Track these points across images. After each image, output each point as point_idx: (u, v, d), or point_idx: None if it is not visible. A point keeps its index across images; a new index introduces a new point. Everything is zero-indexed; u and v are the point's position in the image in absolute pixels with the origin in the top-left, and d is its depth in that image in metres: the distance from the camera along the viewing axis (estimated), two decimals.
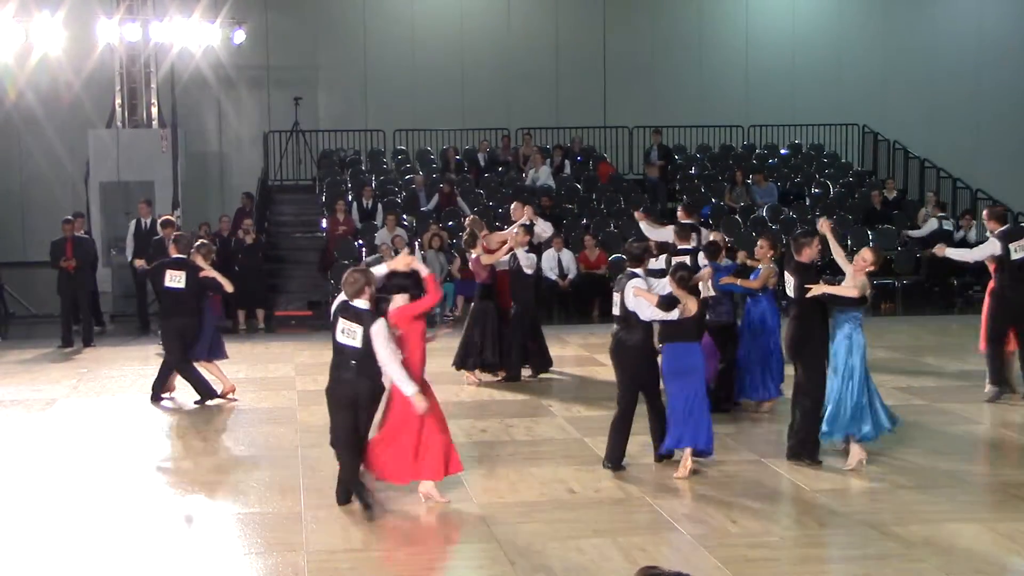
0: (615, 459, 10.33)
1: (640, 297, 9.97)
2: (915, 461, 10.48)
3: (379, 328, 8.95)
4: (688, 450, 10.08)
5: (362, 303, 9.05)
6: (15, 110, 25.15)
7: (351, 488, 9.21)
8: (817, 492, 9.54)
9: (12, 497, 9.69)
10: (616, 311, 10.30)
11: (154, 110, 24.56)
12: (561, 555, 8.03)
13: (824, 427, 10.26)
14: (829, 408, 10.21)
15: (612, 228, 23.15)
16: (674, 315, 9.91)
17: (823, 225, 10.81)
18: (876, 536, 8.34)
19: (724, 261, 12.55)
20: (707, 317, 11.77)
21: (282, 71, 26.78)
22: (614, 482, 9.83)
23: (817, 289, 10.11)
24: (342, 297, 9.18)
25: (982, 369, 13.79)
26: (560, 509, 9.20)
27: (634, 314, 10.05)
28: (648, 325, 10.21)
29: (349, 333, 9.01)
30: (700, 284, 11.33)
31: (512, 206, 15.20)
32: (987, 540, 8.29)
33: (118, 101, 24.45)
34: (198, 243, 13.92)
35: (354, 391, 9.06)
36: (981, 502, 9.38)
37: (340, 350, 9.12)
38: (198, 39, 23.76)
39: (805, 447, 10.33)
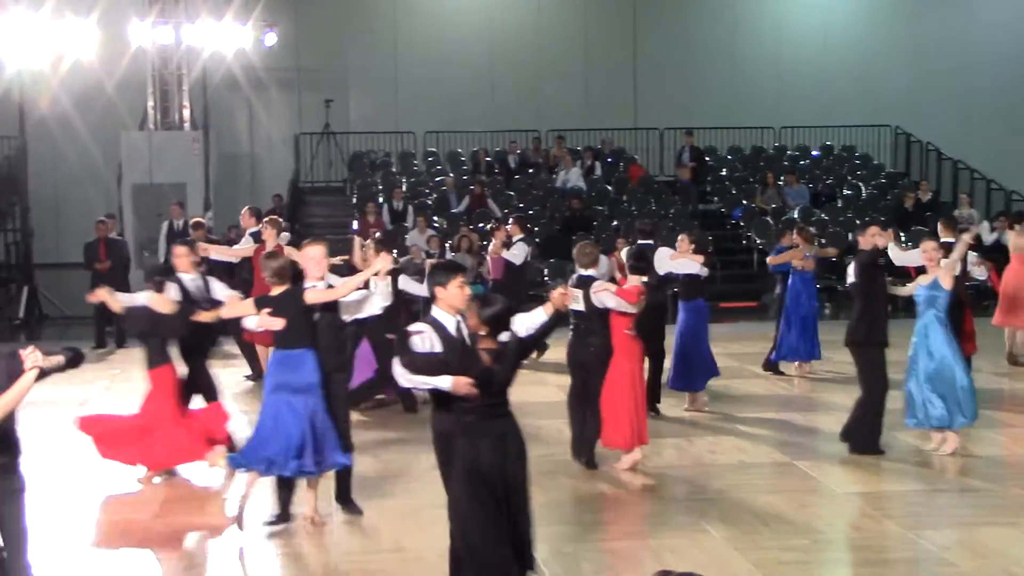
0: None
1: (680, 259, 12.15)
2: (950, 463, 10.40)
3: (596, 285, 9.73)
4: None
5: (593, 272, 9.90)
6: (49, 113, 25.28)
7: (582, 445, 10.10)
8: (850, 494, 9.48)
9: (43, 495, 9.75)
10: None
11: (186, 112, 24.67)
12: (592, 557, 8.00)
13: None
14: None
15: None
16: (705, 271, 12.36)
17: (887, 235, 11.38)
18: (910, 539, 8.27)
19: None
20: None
21: (313, 73, 26.84)
22: (642, 483, 9.78)
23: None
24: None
25: (1018, 370, 14.76)
26: (591, 511, 9.17)
27: (658, 277, 11.69)
28: (665, 290, 12.44)
29: (576, 300, 9.64)
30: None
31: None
32: (1021, 543, 8.20)
33: (150, 103, 24.57)
34: None
35: (577, 355, 9.98)
36: (1016, 505, 9.28)
37: (573, 318, 9.96)
38: (229, 41, 23.88)
39: (864, 440, 10.51)
